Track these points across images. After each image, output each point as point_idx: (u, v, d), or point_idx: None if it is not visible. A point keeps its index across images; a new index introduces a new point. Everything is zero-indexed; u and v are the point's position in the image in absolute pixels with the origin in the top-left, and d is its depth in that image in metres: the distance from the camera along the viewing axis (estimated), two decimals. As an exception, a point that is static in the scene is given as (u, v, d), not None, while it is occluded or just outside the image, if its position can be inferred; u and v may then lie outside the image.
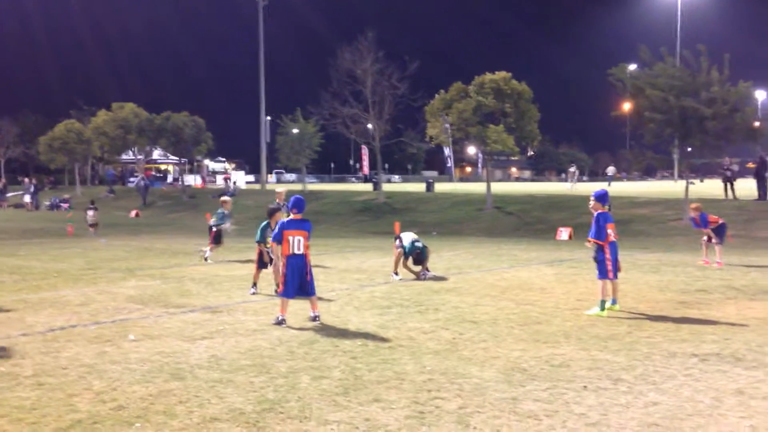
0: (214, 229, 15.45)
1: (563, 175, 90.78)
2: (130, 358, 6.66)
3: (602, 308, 8.88)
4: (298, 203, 8.48)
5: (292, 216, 8.43)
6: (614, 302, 9.11)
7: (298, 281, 8.25)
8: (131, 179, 55.97)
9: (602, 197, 9.25)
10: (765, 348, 7.05)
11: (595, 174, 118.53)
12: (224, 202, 16.22)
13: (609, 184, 51.32)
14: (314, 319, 8.39)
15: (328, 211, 33.90)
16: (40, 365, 6.41)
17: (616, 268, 9.11)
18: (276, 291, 9.51)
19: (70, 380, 5.92)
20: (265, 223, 10.95)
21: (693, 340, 7.44)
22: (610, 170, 57.45)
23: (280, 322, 8.21)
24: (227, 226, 15.96)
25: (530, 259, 15.55)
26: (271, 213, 10.64)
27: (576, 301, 9.86)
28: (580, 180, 64.10)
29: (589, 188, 47.68)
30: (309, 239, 8.41)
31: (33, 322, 8.43)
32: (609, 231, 9.01)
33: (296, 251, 8.24)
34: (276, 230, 8.53)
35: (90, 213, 24.29)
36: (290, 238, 8.25)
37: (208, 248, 15.52)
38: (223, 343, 7.31)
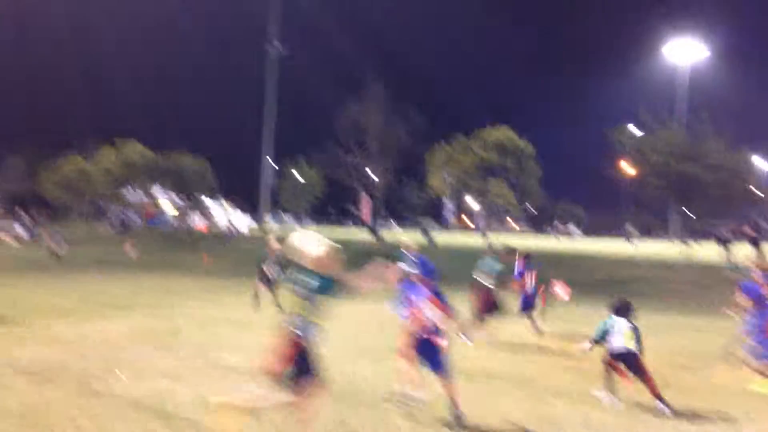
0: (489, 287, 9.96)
1: (550, 230, 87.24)
2: (116, 396, 6.55)
3: None
4: None
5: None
6: None
7: None
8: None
9: (751, 291, 8.56)
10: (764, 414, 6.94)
11: (593, 230, 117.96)
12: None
13: (631, 242, 45.30)
14: None
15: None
16: (26, 400, 6.30)
17: None
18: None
19: (55, 417, 5.81)
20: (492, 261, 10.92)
21: (686, 401, 7.33)
22: (628, 227, 51.37)
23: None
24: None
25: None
26: (509, 253, 10.57)
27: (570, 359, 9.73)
28: (576, 234, 62.82)
29: (588, 245, 47.64)
30: None
31: (20, 356, 8.32)
32: None
33: None
34: None
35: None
36: None
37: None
38: (210, 385, 7.20)
